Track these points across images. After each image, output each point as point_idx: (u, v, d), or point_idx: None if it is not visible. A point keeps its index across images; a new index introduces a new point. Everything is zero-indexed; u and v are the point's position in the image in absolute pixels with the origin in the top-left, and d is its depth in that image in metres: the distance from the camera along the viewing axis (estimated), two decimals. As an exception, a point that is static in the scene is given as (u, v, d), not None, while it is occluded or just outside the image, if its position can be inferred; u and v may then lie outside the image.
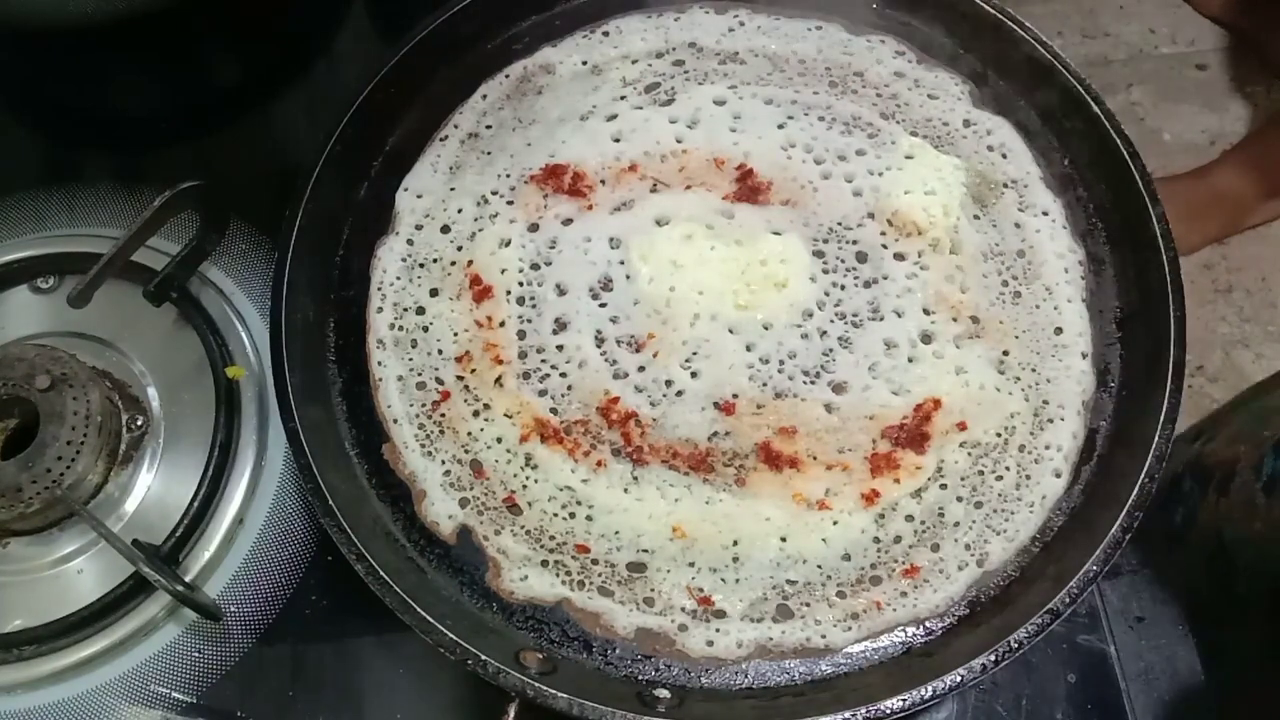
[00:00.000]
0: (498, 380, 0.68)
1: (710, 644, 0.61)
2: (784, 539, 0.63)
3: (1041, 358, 0.68)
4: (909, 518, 0.64)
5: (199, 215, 0.75)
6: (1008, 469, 0.65)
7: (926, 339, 0.68)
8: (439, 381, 0.69)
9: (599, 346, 0.69)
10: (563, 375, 0.68)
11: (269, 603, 0.70)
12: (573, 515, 0.64)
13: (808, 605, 0.62)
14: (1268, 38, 1.95)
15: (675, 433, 0.66)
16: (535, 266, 0.72)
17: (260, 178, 0.86)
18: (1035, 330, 0.69)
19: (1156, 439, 0.61)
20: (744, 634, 0.61)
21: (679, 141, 0.75)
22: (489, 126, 0.78)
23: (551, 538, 0.64)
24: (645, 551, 0.63)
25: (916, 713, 0.55)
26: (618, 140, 0.75)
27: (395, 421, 0.68)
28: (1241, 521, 0.77)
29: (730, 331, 0.68)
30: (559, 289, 0.70)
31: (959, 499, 0.64)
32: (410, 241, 0.74)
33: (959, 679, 0.55)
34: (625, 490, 0.65)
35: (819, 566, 0.63)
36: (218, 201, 0.75)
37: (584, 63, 0.80)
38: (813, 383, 0.67)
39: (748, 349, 0.68)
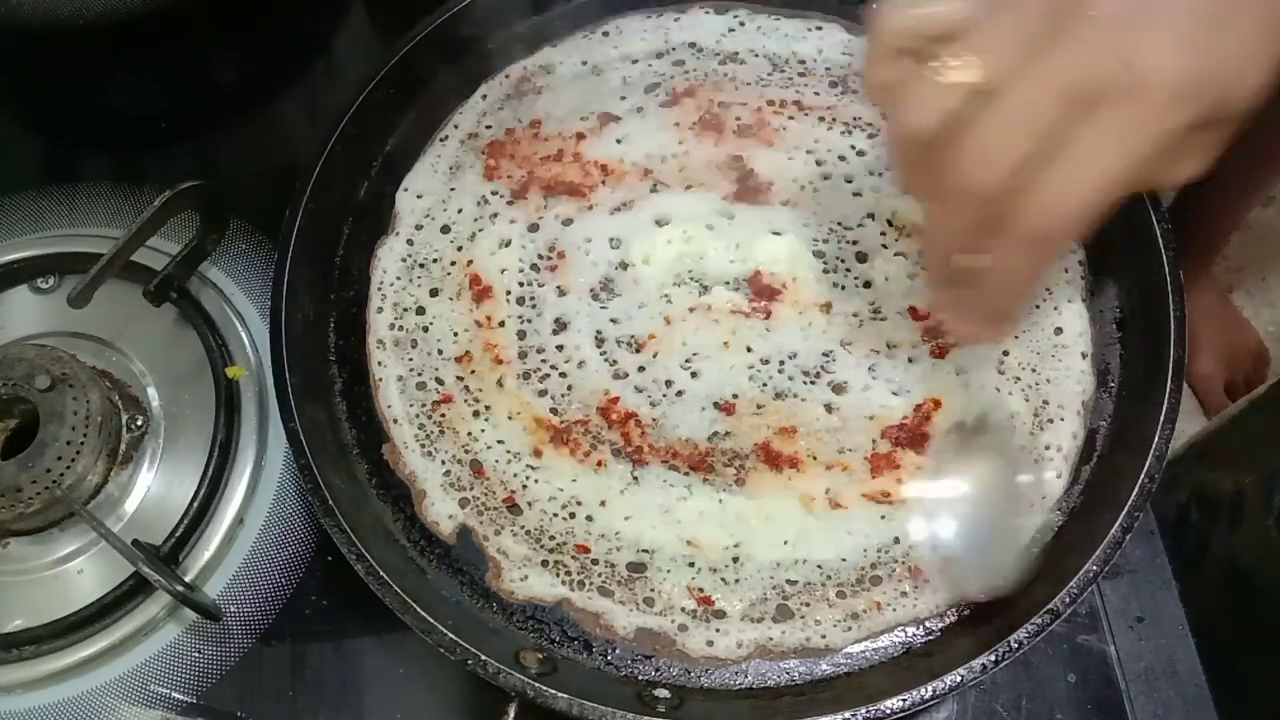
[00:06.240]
0: (498, 381, 0.68)
1: (710, 644, 0.61)
2: (784, 539, 0.63)
3: (1041, 358, 0.68)
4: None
5: (199, 215, 0.75)
6: (1008, 469, 0.65)
7: (927, 339, 0.68)
8: (439, 382, 0.69)
9: (599, 347, 0.69)
10: (563, 375, 0.68)
11: (269, 603, 0.70)
12: (573, 515, 0.64)
13: (808, 605, 0.62)
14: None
15: (675, 433, 0.66)
16: (535, 267, 0.72)
17: (260, 178, 0.85)
18: (1035, 330, 0.69)
19: (1156, 439, 0.61)
20: (744, 634, 0.61)
21: (679, 142, 0.75)
22: (489, 126, 0.78)
23: (551, 538, 0.64)
24: (645, 552, 0.63)
25: (916, 713, 0.55)
26: (618, 141, 0.75)
27: (395, 421, 0.68)
28: (1259, 557, 0.76)
29: (731, 332, 0.68)
30: (559, 289, 0.70)
31: (959, 499, 0.64)
32: (410, 241, 0.74)
33: (959, 679, 0.55)
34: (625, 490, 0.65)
35: (819, 566, 0.63)
36: (218, 201, 0.75)
37: (584, 63, 0.80)
38: (813, 383, 0.67)
39: (748, 349, 0.68)
